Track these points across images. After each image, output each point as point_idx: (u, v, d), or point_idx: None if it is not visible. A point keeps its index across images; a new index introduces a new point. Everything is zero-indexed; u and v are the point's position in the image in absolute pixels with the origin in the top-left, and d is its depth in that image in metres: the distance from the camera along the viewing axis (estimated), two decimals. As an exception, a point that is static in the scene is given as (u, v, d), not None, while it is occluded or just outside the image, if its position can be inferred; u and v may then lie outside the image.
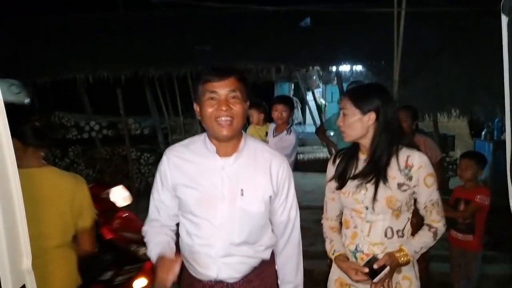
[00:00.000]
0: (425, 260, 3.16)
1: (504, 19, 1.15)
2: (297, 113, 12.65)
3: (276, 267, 1.61)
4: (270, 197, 1.48)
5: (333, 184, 1.73)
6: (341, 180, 1.70)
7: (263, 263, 1.55)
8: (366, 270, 1.56)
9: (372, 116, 1.61)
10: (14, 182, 0.90)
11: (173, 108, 7.57)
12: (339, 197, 1.71)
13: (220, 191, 1.44)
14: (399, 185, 1.58)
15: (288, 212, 1.54)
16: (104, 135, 6.85)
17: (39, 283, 0.96)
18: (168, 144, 5.66)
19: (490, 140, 6.59)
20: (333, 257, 1.72)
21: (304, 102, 11.58)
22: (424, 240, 1.62)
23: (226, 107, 1.37)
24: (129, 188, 5.08)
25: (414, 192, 1.61)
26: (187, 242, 1.51)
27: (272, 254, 1.60)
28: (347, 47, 5.60)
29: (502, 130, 7.08)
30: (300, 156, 8.19)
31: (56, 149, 6.80)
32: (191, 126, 7.26)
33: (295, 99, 12.21)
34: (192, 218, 1.48)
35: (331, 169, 1.77)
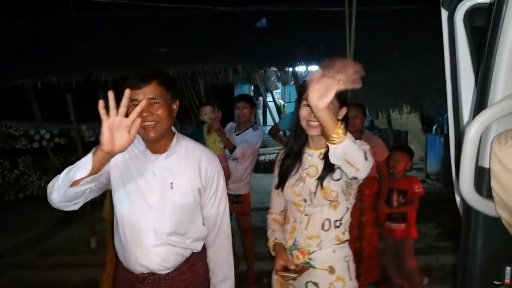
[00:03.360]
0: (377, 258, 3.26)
1: (444, 13, 1.18)
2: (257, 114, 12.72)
3: (207, 260, 1.69)
4: (199, 189, 1.59)
5: (276, 182, 1.77)
6: (283, 179, 1.72)
7: (195, 255, 1.64)
8: (293, 266, 1.61)
9: (344, 111, 1.65)
10: None
11: (128, 112, 7.35)
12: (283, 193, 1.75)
13: (151, 184, 1.53)
14: (334, 178, 1.62)
15: (218, 205, 1.65)
16: (56, 144, 6.54)
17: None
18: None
19: (441, 135, 6.87)
20: (271, 244, 1.76)
21: (264, 104, 11.64)
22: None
23: (147, 113, 1.44)
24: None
25: (349, 179, 1.59)
26: (120, 233, 1.56)
27: (204, 248, 1.68)
28: (302, 47, 5.66)
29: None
30: (261, 157, 8.21)
31: (4, 161, 6.43)
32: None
33: (260, 99, 12.29)
34: (124, 207, 1.54)
35: (276, 166, 1.81)
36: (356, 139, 1.74)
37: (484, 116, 0.97)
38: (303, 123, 1.65)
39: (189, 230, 1.60)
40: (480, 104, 1.02)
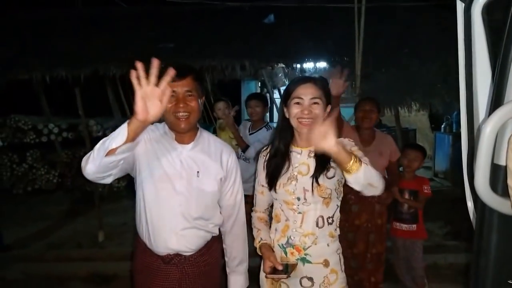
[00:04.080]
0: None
1: (460, 6, 1.15)
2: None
3: (224, 245, 1.86)
4: (221, 179, 1.73)
5: (263, 180, 1.78)
6: (273, 178, 1.72)
7: (212, 239, 1.79)
8: (281, 267, 1.63)
9: (329, 108, 1.66)
10: None
11: (135, 107, 7.36)
12: (267, 191, 1.77)
13: (178, 171, 1.65)
14: (328, 175, 1.64)
15: (235, 195, 1.80)
16: (64, 138, 6.57)
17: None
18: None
19: (449, 133, 6.82)
20: (258, 246, 1.77)
21: (271, 100, 11.60)
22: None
23: (184, 104, 1.59)
24: (92, 192, 4.94)
25: (341, 177, 1.64)
26: (147, 217, 1.66)
27: (219, 231, 1.84)
28: (310, 44, 5.62)
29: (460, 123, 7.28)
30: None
31: (13, 154, 6.48)
32: (154, 125, 7.09)
33: (267, 96, 12.23)
34: (153, 193, 1.64)
35: (261, 165, 1.80)
36: (368, 137, 1.76)
37: (501, 113, 0.95)
38: (294, 121, 1.65)
39: (213, 215, 1.74)
40: (497, 101, 1.00)
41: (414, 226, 3.07)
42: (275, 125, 3.16)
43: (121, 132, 1.35)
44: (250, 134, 3.52)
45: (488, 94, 1.10)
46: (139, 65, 1.25)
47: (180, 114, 1.59)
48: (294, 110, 1.63)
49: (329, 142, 1.30)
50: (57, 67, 5.68)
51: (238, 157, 3.46)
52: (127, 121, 1.36)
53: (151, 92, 1.28)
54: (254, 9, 6.80)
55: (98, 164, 1.38)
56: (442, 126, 7.12)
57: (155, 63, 1.26)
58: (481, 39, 1.09)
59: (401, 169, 3.44)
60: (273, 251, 1.74)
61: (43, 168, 6.54)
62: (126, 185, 6.43)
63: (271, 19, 6.53)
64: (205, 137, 1.75)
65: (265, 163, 1.78)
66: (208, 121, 9.19)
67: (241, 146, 3.37)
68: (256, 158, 1.89)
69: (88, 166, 1.41)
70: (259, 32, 6.20)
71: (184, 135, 1.67)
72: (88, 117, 5.68)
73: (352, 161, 1.38)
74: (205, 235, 1.74)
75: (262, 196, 1.84)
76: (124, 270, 3.50)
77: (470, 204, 1.22)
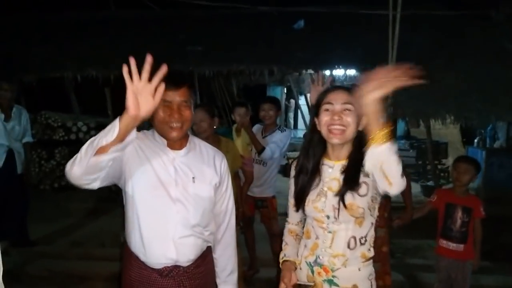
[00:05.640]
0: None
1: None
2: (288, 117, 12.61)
3: (214, 255, 1.77)
4: (215, 184, 1.67)
5: (292, 200, 1.68)
6: (301, 196, 1.62)
7: (207, 249, 1.72)
8: None
9: (365, 120, 1.53)
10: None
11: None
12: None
13: (173, 178, 1.58)
14: (360, 193, 1.51)
15: (227, 202, 1.75)
16: (92, 136, 6.67)
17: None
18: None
19: (483, 148, 6.57)
20: (281, 261, 1.69)
21: (296, 106, 11.52)
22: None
23: (178, 114, 1.54)
24: (116, 191, 4.98)
25: (375, 193, 1.51)
26: (140, 227, 1.57)
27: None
28: (340, 50, 5.53)
29: (494, 138, 7.11)
30: (290, 161, 8.11)
31: (42, 150, 6.63)
32: (143, 133, 7.13)
33: (292, 102, 12.18)
34: (147, 201, 1.57)
35: (292, 178, 1.70)
36: None
37: None
38: (324, 129, 1.54)
39: (209, 222, 1.69)
40: None
41: (462, 246, 2.87)
42: (298, 132, 3.05)
43: (112, 128, 1.31)
44: (263, 138, 3.48)
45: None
46: (132, 61, 1.24)
47: (174, 124, 1.54)
48: (324, 118, 1.53)
49: (376, 92, 1.23)
50: (88, 67, 5.81)
51: (253, 161, 3.43)
52: (118, 117, 1.32)
53: (143, 88, 1.26)
54: (283, 14, 6.76)
55: (86, 165, 1.33)
56: (475, 140, 6.88)
57: (149, 59, 1.24)
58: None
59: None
60: (295, 269, 1.66)
61: (70, 165, 6.66)
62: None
63: (301, 24, 6.47)
64: (196, 143, 1.71)
65: (294, 179, 1.69)
66: (232, 124, 9.19)
67: (257, 149, 3.33)
68: (288, 168, 1.82)
69: (74, 168, 1.35)
70: (288, 37, 6.15)
71: (176, 141, 1.62)
72: (116, 117, 5.75)
73: (383, 132, 1.28)
74: (202, 244, 1.67)
75: (293, 209, 1.74)
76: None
77: None
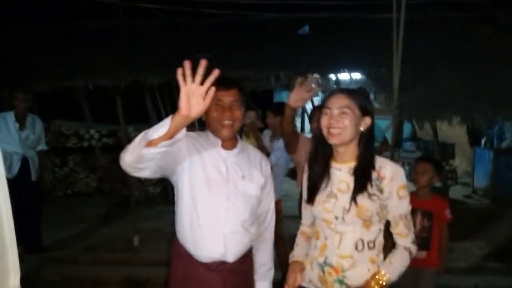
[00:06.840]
0: None
1: None
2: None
3: (254, 252, 1.88)
4: (261, 185, 1.80)
5: (305, 195, 1.75)
6: (313, 193, 1.68)
7: (250, 248, 1.82)
8: None
9: (367, 121, 1.60)
10: (3, 197, 0.86)
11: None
12: (310, 207, 1.72)
13: (225, 176, 1.72)
14: (369, 195, 1.56)
15: (270, 202, 1.89)
16: (104, 144, 6.81)
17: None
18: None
19: (490, 148, 6.54)
20: (290, 261, 1.78)
21: (303, 110, 11.54)
22: (404, 263, 1.63)
23: (229, 112, 1.69)
24: (128, 197, 5.08)
25: (384, 206, 1.59)
26: (192, 221, 1.68)
27: None
28: (346, 55, 5.58)
29: (501, 138, 7.07)
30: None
31: (55, 158, 6.77)
32: (197, 133, 7.22)
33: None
34: (203, 196, 1.68)
35: (304, 180, 1.78)
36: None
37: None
38: (324, 132, 1.62)
39: (254, 221, 1.80)
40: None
41: (424, 253, 2.66)
42: (305, 135, 3.12)
43: (164, 125, 1.40)
44: (271, 142, 3.57)
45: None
46: (187, 64, 1.30)
47: (226, 122, 1.68)
48: (324, 121, 1.62)
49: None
50: (99, 75, 5.93)
51: None
52: (171, 115, 1.41)
53: (195, 90, 1.33)
54: (289, 20, 6.83)
55: (137, 154, 1.42)
56: (482, 141, 6.84)
57: (203, 63, 1.31)
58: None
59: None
60: (303, 270, 1.73)
61: (83, 172, 6.81)
62: (161, 191, 6.57)
63: (306, 30, 6.53)
64: (244, 146, 1.85)
65: (305, 181, 1.77)
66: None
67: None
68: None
69: (127, 155, 1.45)
70: (293, 43, 6.22)
71: (228, 142, 1.76)
72: (127, 124, 5.86)
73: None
74: (247, 241, 1.77)
75: (306, 211, 1.81)
76: (158, 276, 3.56)
77: None
